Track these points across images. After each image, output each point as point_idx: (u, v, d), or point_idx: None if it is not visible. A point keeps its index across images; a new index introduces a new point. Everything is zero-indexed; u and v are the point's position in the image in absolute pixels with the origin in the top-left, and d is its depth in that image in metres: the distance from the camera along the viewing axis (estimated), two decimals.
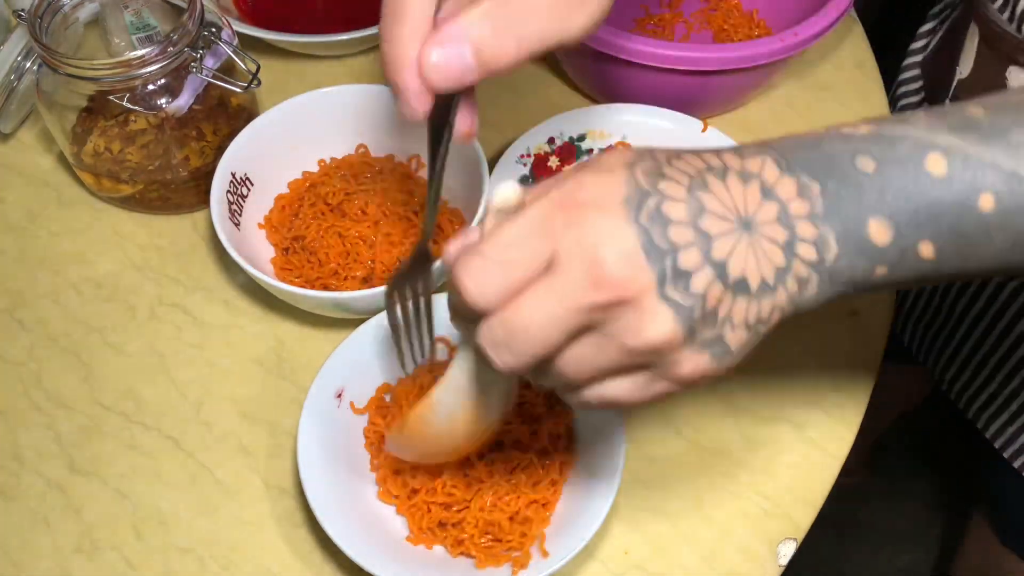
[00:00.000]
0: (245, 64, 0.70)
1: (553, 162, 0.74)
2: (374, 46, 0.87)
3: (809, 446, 0.66)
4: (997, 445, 0.82)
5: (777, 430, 0.66)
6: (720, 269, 0.38)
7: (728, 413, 0.67)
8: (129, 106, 0.68)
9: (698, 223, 0.38)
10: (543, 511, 0.60)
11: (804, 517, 0.63)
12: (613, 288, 0.37)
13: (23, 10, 0.68)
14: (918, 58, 0.84)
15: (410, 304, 0.56)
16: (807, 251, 0.39)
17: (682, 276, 0.37)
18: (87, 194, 0.77)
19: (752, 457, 0.65)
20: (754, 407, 0.67)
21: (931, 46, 0.82)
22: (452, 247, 0.41)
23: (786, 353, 0.69)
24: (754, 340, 0.41)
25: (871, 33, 0.90)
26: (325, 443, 0.61)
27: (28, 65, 0.73)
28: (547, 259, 0.38)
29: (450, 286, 0.40)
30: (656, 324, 0.37)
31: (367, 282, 0.68)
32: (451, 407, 0.50)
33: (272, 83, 0.84)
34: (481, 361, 0.46)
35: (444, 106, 0.49)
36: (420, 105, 0.47)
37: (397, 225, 0.70)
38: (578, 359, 0.39)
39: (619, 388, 0.41)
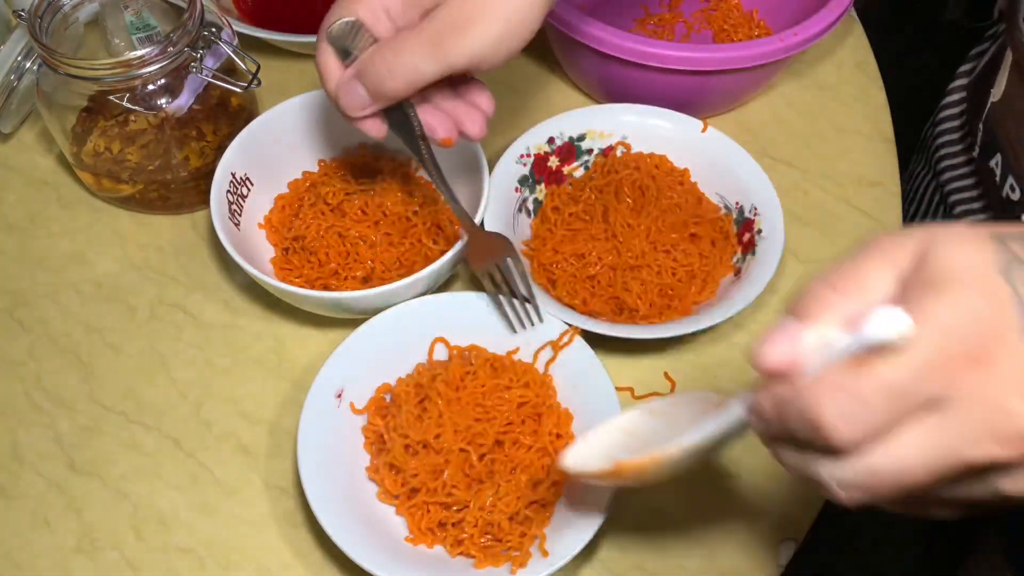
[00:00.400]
0: (245, 64, 0.70)
1: (553, 162, 0.74)
2: None
3: None
4: None
5: None
6: None
7: None
8: (129, 106, 0.68)
9: None
10: (543, 511, 0.60)
11: (804, 517, 0.63)
12: (1019, 444, 0.33)
13: (23, 10, 0.68)
14: (964, 80, 0.84)
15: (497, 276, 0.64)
16: None
17: None
18: (87, 194, 0.77)
19: (752, 457, 0.65)
20: None
21: (977, 69, 0.82)
22: (778, 350, 0.36)
23: None
24: None
25: (871, 33, 0.90)
26: (325, 443, 0.61)
27: (28, 65, 0.73)
28: (935, 399, 0.34)
29: (787, 402, 0.36)
30: None
31: (367, 282, 0.68)
32: (676, 465, 0.47)
33: (272, 83, 0.84)
34: (739, 429, 0.42)
35: (401, 115, 0.59)
36: (362, 123, 0.60)
37: (397, 225, 0.70)
38: (938, 499, 0.37)
39: (961, 512, 0.38)
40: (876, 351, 0.34)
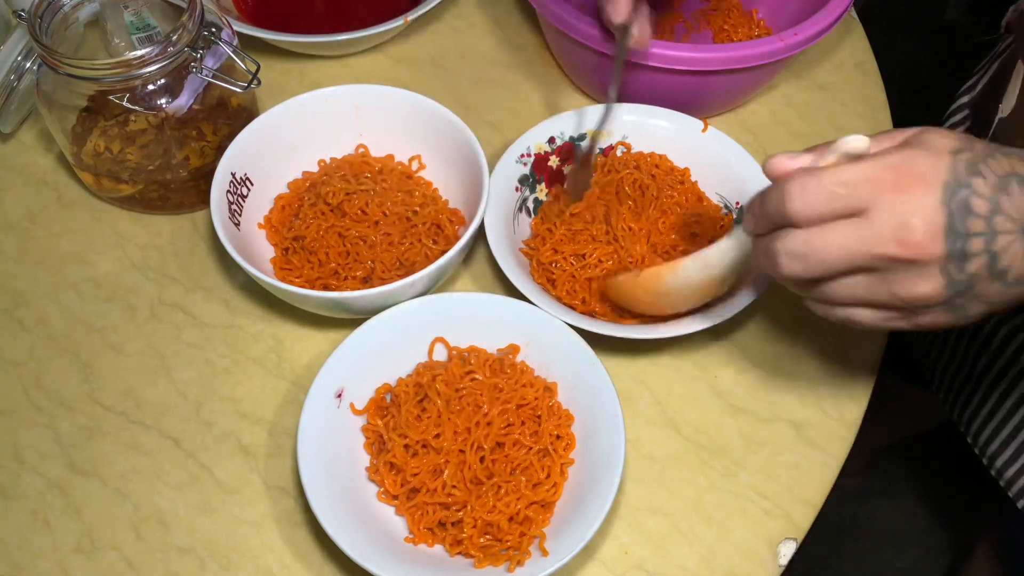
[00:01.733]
0: (245, 64, 0.70)
1: (553, 161, 0.74)
2: (374, 46, 0.87)
3: (809, 446, 0.66)
4: (1011, 493, 0.81)
5: (777, 430, 0.66)
6: (993, 258, 0.46)
7: (728, 413, 0.67)
8: (129, 106, 0.68)
9: (991, 220, 0.46)
10: (543, 511, 0.60)
11: (804, 517, 0.63)
12: (911, 249, 0.46)
13: (23, 10, 0.68)
14: (965, 99, 0.84)
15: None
16: None
17: (964, 257, 0.46)
18: (87, 194, 0.77)
19: (752, 457, 0.65)
20: (754, 407, 0.67)
21: (980, 86, 0.82)
22: (783, 161, 0.50)
23: (786, 353, 0.69)
24: (986, 314, 0.49)
25: (871, 33, 0.90)
26: (325, 443, 0.61)
27: (28, 65, 0.73)
28: (864, 207, 0.46)
29: (771, 189, 0.49)
30: (928, 285, 0.47)
31: (367, 282, 0.68)
32: (691, 277, 0.60)
33: (272, 83, 0.84)
34: (741, 253, 0.58)
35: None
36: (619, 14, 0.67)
37: (397, 225, 0.70)
38: (848, 288, 0.49)
39: (867, 316, 0.50)
40: (841, 160, 0.48)
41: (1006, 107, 0.73)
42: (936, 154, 0.47)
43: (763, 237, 0.51)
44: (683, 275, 0.60)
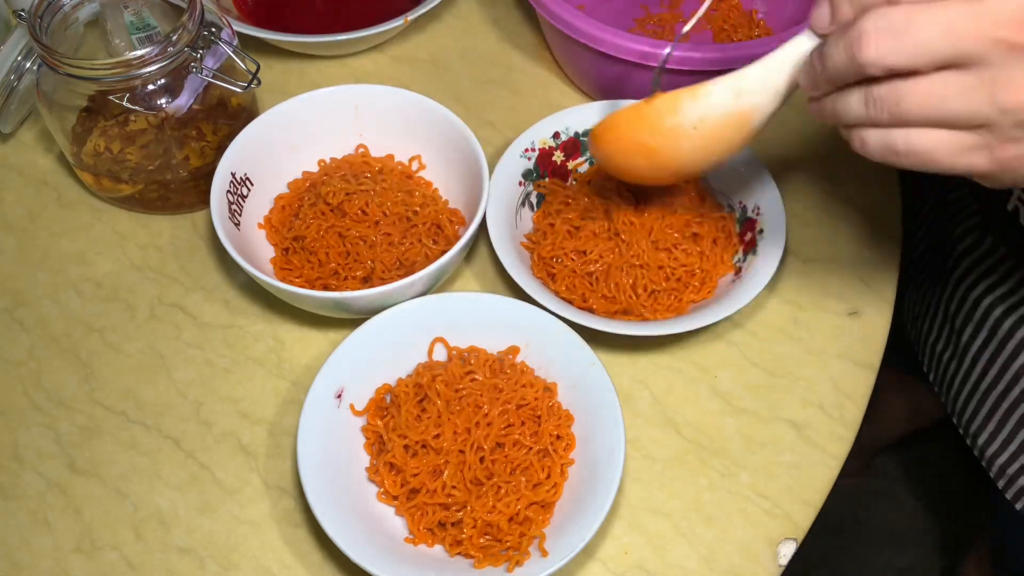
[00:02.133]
0: (245, 64, 0.70)
1: (558, 157, 0.74)
2: (374, 46, 0.87)
3: (809, 446, 0.66)
4: (1009, 495, 0.80)
5: (777, 430, 0.66)
6: None
7: (728, 413, 0.67)
8: (129, 106, 0.68)
9: None
10: (543, 511, 0.60)
11: (804, 517, 0.63)
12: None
13: (23, 10, 0.68)
14: None
15: None
16: None
17: None
18: (87, 194, 0.77)
19: (752, 457, 0.65)
20: (754, 407, 0.67)
21: None
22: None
23: (786, 354, 0.69)
24: None
25: None
26: (325, 443, 0.61)
27: (28, 65, 0.73)
28: (971, 56, 0.39)
29: None
30: None
31: (367, 282, 0.68)
32: (715, 108, 0.46)
33: (272, 83, 0.84)
34: (792, 74, 0.44)
35: None
36: None
37: (397, 225, 0.70)
38: (933, 92, 0.40)
39: (936, 142, 0.41)
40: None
41: None
42: None
43: (831, 97, 0.43)
44: (705, 103, 0.47)
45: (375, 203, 0.70)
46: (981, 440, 0.81)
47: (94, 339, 0.70)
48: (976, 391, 0.80)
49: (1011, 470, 0.79)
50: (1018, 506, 0.79)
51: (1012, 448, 0.78)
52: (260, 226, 0.72)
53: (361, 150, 0.75)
